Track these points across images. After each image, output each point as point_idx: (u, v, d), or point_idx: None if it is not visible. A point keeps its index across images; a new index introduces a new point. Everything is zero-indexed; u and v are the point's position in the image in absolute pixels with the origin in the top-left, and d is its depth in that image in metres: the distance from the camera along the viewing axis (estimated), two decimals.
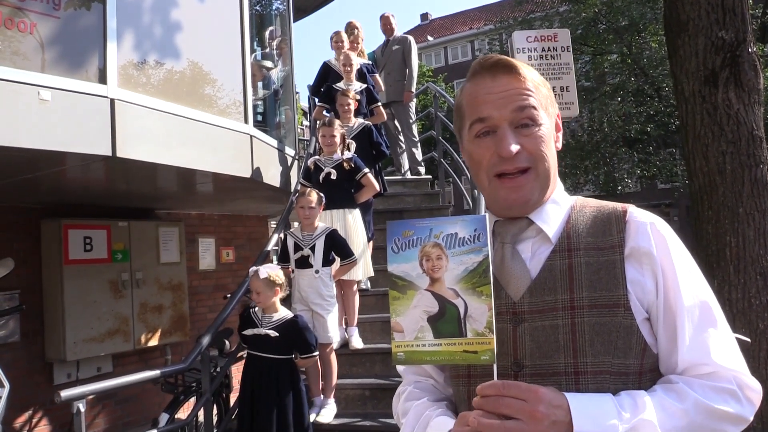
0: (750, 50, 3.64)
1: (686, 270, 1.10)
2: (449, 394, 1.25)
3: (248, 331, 3.89)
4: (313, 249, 4.34)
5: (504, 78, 1.12)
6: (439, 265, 1.01)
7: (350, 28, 6.80)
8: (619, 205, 1.16)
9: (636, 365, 1.06)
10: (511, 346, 1.09)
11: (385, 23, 7.67)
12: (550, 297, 1.09)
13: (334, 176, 4.84)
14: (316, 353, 3.97)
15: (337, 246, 4.42)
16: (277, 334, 3.78)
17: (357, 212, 4.94)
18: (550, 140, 1.14)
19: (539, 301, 1.09)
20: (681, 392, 1.02)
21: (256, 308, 3.97)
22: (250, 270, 3.99)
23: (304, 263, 4.36)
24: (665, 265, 1.08)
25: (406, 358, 1.03)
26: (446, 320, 1.01)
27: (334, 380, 4.43)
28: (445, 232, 1.02)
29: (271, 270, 3.91)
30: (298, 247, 4.40)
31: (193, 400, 4.73)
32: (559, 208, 1.17)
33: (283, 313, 3.91)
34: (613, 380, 1.04)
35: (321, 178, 4.87)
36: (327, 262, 4.38)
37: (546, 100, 1.15)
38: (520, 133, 1.10)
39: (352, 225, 4.85)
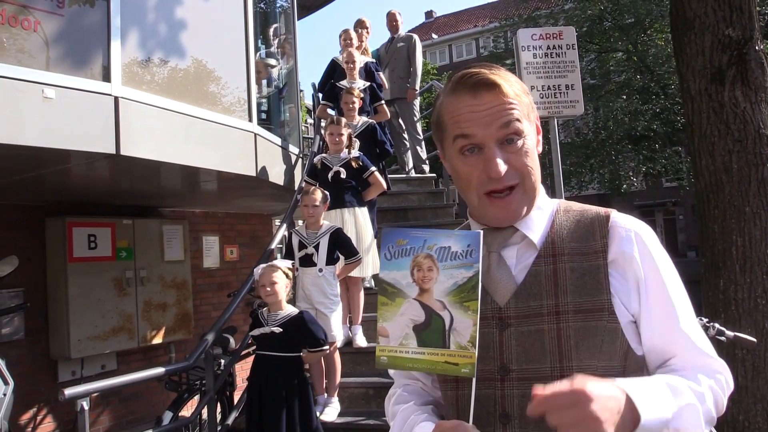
0: (757, 48, 3.62)
1: (669, 275, 1.12)
2: (437, 397, 1.27)
3: (255, 332, 3.89)
4: (317, 247, 4.34)
5: (486, 95, 1.10)
6: (429, 276, 1.04)
7: (358, 25, 6.80)
8: (602, 210, 1.17)
9: (619, 367, 1.08)
10: (498, 350, 1.11)
11: (391, 20, 7.65)
12: (535, 302, 1.10)
13: (343, 175, 4.85)
14: (326, 347, 3.94)
15: (341, 245, 4.41)
16: (282, 330, 3.78)
17: (366, 210, 4.98)
18: (534, 150, 1.13)
19: (525, 306, 1.11)
20: (694, 377, 1.05)
21: (263, 309, 3.96)
22: (257, 269, 3.97)
23: (307, 262, 4.35)
24: (648, 270, 1.10)
25: (389, 362, 1.06)
26: (431, 330, 1.03)
27: (338, 379, 4.42)
28: (438, 244, 1.05)
29: (287, 263, 3.99)
30: (302, 246, 4.39)
31: (196, 398, 4.74)
32: (542, 213, 1.18)
33: (288, 310, 3.89)
34: None
35: (329, 176, 4.87)
36: (331, 260, 4.37)
37: (527, 107, 1.13)
38: (506, 149, 1.09)
39: (363, 223, 4.87)
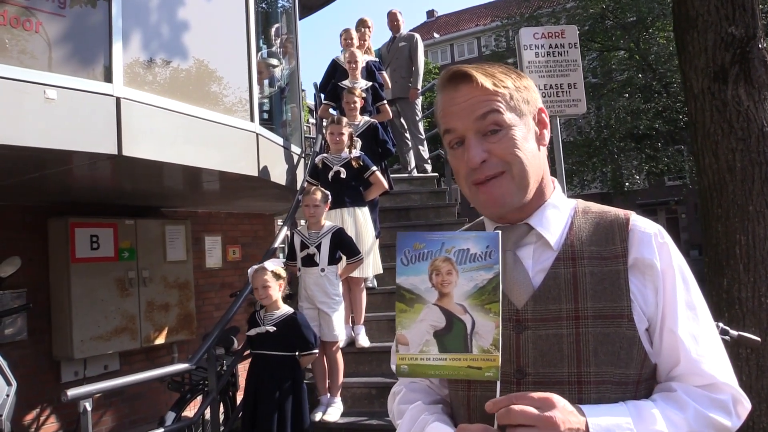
0: (760, 46, 3.60)
1: (686, 283, 1.11)
2: (444, 395, 1.26)
3: (252, 331, 3.95)
4: (318, 247, 4.34)
5: (464, 88, 1.10)
6: (448, 280, 1.01)
7: (360, 24, 6.79)
8: (621, 212, 1.16)
9: (635, 375, 1.07)
10: (514, 353, 1.09)
11: (392, 19, 7.65)
12: (554, 306, 1.09)
13: (343, 175, 4.84)
14: (315, 351, 3.99)
15: (343, 244, 4.41)
16: (275, 329, 3.83)
17: (366, 210, 4.96)
18: (525, 141, 1.11)
19: (543, 309, 1.09)
20: (680, 401, 1.04)
21: (260, 310, 4.01)
22: (250, 270, 4.04)
23: (309, 261, 4.35)
24: (666, 278, 1.09)
25: (410, 371, 1.02)
26: (452, 335, 1.00)
27: (341, 379, 4.42)
28: (456, 247, 1.02)
29: (278, 264, 4.03)
30: (304, 246, 4.39)
31: (199, 398, 4.73)
32: (559, 212, 1.16)
33: (284, 310, 3.97)
34: (614, 390, 1.05)
35: (330, 176, 4.87)
36: (333, 260, 4.37)
37: (517, 100, 1.11)
38: (488, 140, 1.09)
39: (363, 223, 4.85)
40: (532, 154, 1.12)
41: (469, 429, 0.99)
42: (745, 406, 1.08)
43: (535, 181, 1.13)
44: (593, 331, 1.06)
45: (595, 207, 1.19)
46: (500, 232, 1.04)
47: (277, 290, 3.93)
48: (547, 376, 1.06)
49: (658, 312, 1.08)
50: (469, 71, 1.10)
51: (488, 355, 0.98)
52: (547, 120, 1.18)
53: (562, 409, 0.95)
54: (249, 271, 4.05)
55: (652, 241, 1.10)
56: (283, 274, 4.00)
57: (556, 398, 0.96)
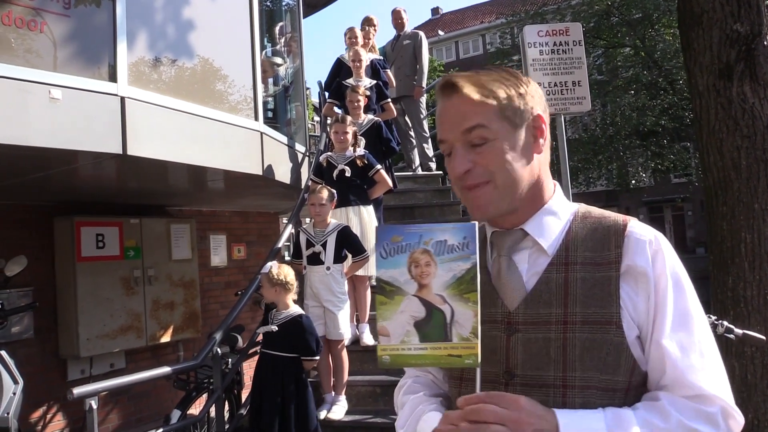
0: (766, 43, 3.59)
1: (680, 291, 1.08)
2: (447, 390, 1.28)
3: (261, 329, 3.95)
4: (324, 245, 4.35)
5: (454, 97, 1.10)
6: (427, 272, 1.03)
7: (365, 23, 6.79)
8: (620, 218, 1.15)
9: (624, 382, 1.06)
10: (504, 355, 1.11)
11: (397, 18, 7.64)
12: (544, 310, 1.09)
13: (348, 173, 4.84)
14: (316, 358, 3.98)
15: (349, 243, 4.42)
16: (277, 330, 3.83)
17: (371, 209, 4.97)
18: (514, 151, 1.09)
19: (534, 313, 1.10)
20: (663, 411, 1.01)
21: (274, 309, 4.03)
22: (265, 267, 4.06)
23: (315, 260, 4.36)
24: (659, 286, 1.07)
25: (392, 361, 1.04)
26: (432, 325, 1.02)
27: (346, 377, 4.43)
28: (434, 238, 1.04)
29: (274, 268, 3.95)
30: (309, 244, 4.40)
31: (205, 396, 4.75)
32: (556, 218, 1.16)
33: (292, 310, 3.95)
34: (600, 395, 1.05)
35: (334, 175, 4.87)
36: (338, 258, 4.38)
37: (506, 109, 1.09)
38: (475, 150, 1.09)
39: (368, 221, 4.86)
40: (520, 165, 1.10)
41: (450, 416, 1.01)
42: (738, 420, 1.04)
43: (523, 189, 1.12)
44: (580, 336, 1.06)
45: (596, 212, 1.17)
46: (476, 223, 1.05)
47: (271, 292, 3.94)
48: (534, 378, 1.08)
49: (649, 320, 1.07)
50: (457, 82, 1.09)
51: (467, 343, 1.00)
52: (546, 126, 1.15)
53: (530, 412, 0.96)
54: (264, 268, 4.05)
55: (647, 248, 1.08)
56: (275, 279, 3.90)
57: (524, 400, 0.98)
